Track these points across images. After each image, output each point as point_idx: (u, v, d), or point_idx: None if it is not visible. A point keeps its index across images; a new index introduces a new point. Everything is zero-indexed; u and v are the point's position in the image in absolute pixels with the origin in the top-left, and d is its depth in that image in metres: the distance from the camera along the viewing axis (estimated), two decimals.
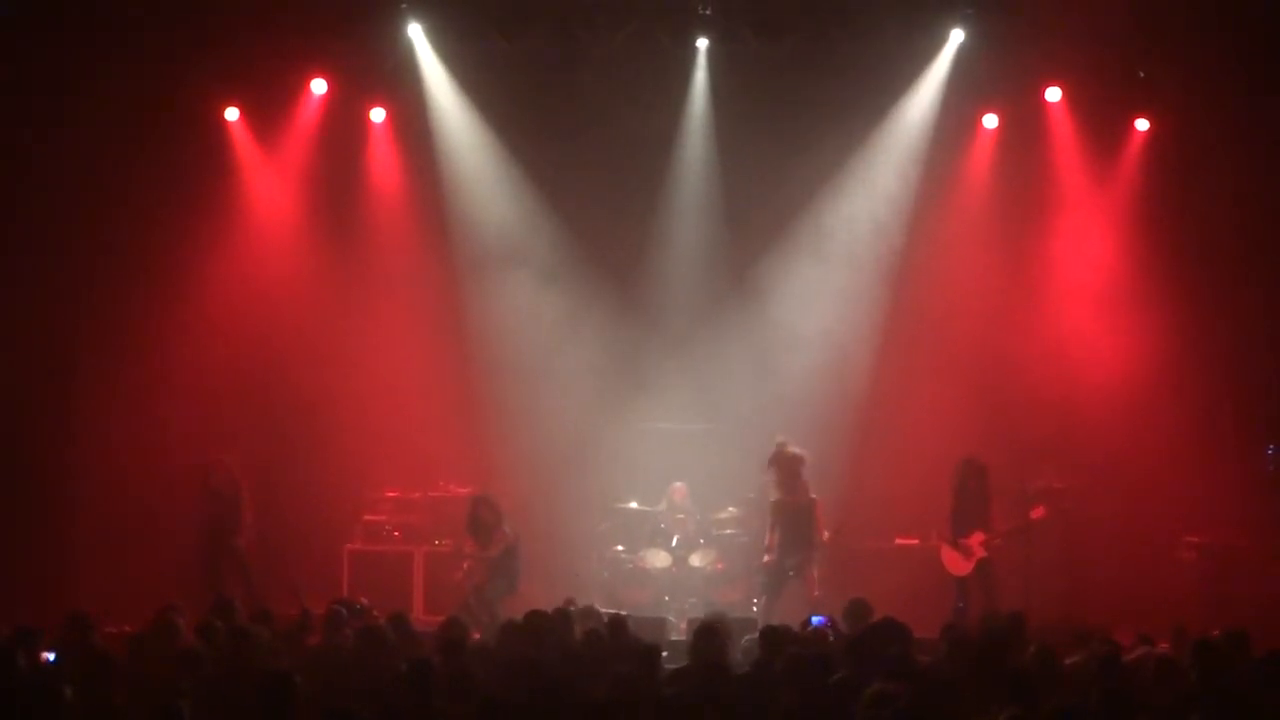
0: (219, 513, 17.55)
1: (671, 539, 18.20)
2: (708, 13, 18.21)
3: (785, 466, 16.63)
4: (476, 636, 13.41)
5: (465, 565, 16.67)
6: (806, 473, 16.60)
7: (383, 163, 19.36)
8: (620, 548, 18.24)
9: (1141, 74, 18.39)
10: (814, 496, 16.74)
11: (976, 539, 16.54)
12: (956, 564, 16.64)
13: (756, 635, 12.08)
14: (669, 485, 18.39)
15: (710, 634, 11.68)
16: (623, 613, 13.95)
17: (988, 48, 18.28)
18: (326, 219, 19.15)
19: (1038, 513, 16.84)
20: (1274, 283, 18.12)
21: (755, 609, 16.76)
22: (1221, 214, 18.09)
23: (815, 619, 13.78)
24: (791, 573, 16.55)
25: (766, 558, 16.69)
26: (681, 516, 18.30)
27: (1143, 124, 18.71)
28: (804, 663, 10.46)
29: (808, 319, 18.76)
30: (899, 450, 18.31)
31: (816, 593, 16.29)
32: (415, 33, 18.57)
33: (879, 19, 18.03)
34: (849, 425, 18.47)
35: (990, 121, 19.01)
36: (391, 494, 18.62)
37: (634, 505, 18.46)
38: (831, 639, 12.33)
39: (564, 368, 18.93)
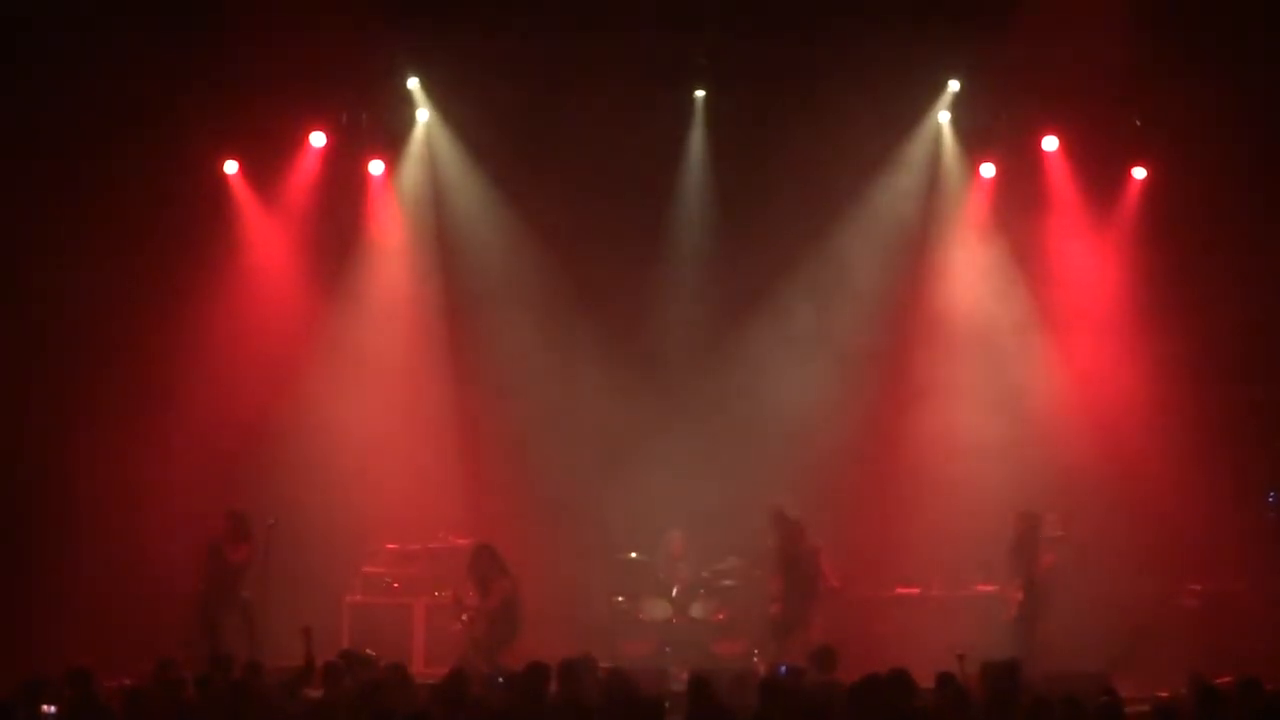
0: (225, 564, 17.40)
1: (672, 589, 18.14)
2: (705, 63, 18.27)
3: (786, 531, 16.63)
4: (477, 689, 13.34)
5: (465, 616, 16.59)
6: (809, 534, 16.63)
7: (381, 215, 19.40)
8: (620, 599, 18.18)
9: (1138, 122, 18.48)
10: (818, 544, 16.70)
11: (1016, 585, 16.51)
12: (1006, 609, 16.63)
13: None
14: (665, 534, 18.36)
15: (706, 685, 11.62)
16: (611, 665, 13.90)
17: (984, 98, 18.36)
18: (325, 271, 19.17)
19: (1048, 559, 16.79)
20: (1273, 328, 18.13)
21: (756, 660, 16.67)
22: (1219, 261, 18.13)
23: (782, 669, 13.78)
24: (795, 622, 16.46)
25: (775, 607, 16.59)
26: (680, 565, 18.25)
27: (1140, 172, 18.80)
28: (804, 713, 10.42)
29: (806, 367, 18.72)
30: (899, 500, 18.29)
31: (819, 642, 16.19)
32: (414, 85, 18.64)
33: (876, 70, 18.09)
34: (850, 474, 18.42)
35: (987, 170, 19.09)
36: (391, 546, 18.53)
37: (634, 556, 18.42)
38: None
39: (562, 418, 18.90)
